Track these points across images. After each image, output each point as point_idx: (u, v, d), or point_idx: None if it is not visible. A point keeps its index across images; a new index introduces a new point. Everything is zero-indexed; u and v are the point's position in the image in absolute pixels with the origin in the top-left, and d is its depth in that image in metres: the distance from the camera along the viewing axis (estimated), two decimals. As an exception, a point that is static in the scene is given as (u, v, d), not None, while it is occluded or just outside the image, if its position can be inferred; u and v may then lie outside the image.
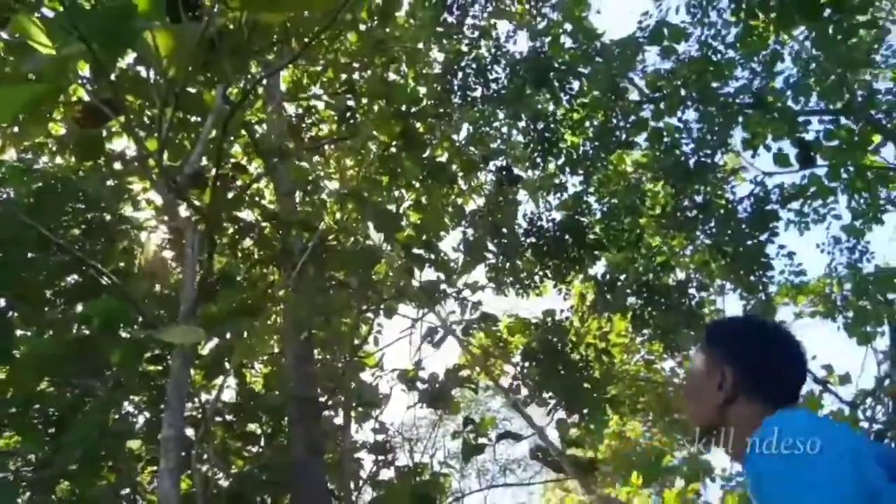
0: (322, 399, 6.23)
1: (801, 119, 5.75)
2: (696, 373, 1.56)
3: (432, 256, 6.82)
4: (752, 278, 5.93)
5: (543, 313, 6.95)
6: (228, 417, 6.64)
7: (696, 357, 1.58)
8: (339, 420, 7.04)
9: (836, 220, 6.84)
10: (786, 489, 1.16)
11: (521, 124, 6.49)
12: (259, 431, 6.40)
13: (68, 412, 5.41)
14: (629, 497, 8.75)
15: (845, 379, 5.05)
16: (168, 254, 5.72)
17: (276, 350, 6.86)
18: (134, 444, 6.45)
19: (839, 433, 1.22)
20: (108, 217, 5.37)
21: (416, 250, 6.74)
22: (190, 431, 6.29)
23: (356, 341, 6.70)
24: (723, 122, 5.77)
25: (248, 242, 6.67)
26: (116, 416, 5.62)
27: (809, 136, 5.88)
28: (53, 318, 5.00)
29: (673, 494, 8.54)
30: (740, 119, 5.96)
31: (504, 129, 6.80)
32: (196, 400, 6.89)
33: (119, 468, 5.25)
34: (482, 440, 5.86)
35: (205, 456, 6.67)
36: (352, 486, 6.33)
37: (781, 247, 6.75)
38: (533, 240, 5.90)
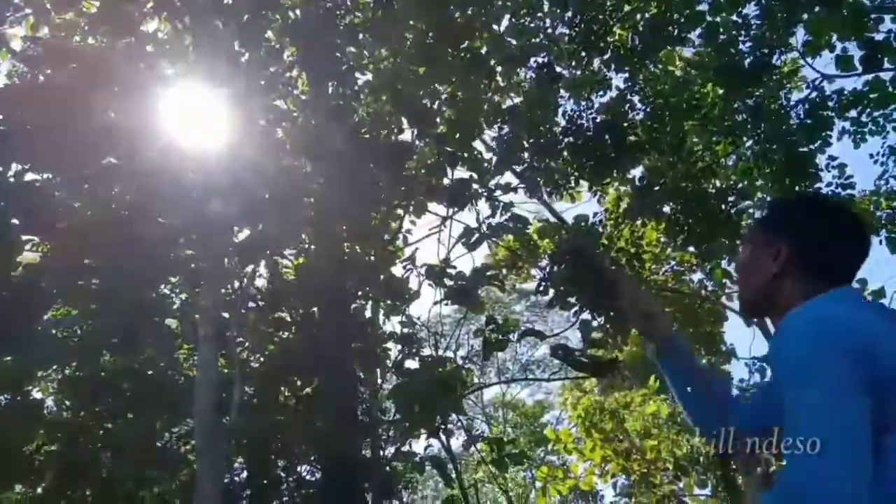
0: (351, 290, 6.35)
1: (872, 16, 5.29)
2: (751, 246, 1.54)
3: (466, 154, 6.67)
4: (796, 189, 5.71)
5: (575, 218, 6.84)
6: (261, 304, 6.85)
7: (754, 232, 1.58)
8: (367, 312, 7.22)
9: (895, 131, 6.48)
10: (789, 378, 1.23)
11: (568, 15, 6.11)
12: (290, 318, 6.58)
13: (111, 288, 5.61)
14: (643, 399, 8.96)
15: (879, 293, 4.93)
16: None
17: (308, 241, 6.93)
18: (172, 322, 6.74)
19: (863, 327, 1.22)
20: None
21: (449, 147, 6.60)
22: (225, 316, 6.53)
23: (386, 236, 6.72)
24: (785, 19, 5.33)
25: (280, 131, 6.60)
26: (154, 295, 5.82)
27: (879, 37, 5.43)
28: (94, 195, 5.08)
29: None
30: (805, 16, 5.51)
31: (548, 21, 6.43)
32: (230, 286, 7.11)
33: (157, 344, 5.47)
34: (504, 338, 5.92)
35: (238, 339, 6.96)
36: (377, 372, 6.55)
37: (832, 158, 6.47)
38: (570, 139, 5.70)
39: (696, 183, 5.71)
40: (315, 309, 6.43)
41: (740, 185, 6.24)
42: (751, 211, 7.19)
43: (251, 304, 7.08)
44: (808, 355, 1.19)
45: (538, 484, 11.18)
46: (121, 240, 5.69)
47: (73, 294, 5.73)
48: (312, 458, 6.49)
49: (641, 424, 9.08)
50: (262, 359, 6.76)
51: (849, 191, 6.55)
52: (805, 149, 5.70)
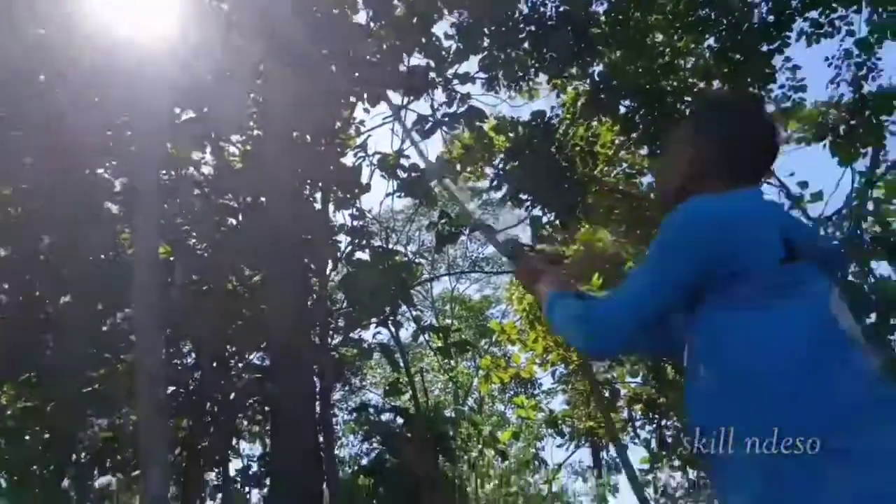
0: (301, 179, 6.14)
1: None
2: (672, 146, 1.57)
3: (424, 40, 6.35)
4: (751, 90, 5.67)
5: (533, 114, 6.69)
6: (206, 190, 6.59)
7: (675, 132, 1.59)
8: (317, 204, 7.05)
9: (850, 35, 6.45)
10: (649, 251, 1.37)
11: None
12: (237, 205, 6.37)
13: (46, 169, 5.27)
14: (588, 296, 9.24)
15: (817, 196, 5.06)
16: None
17: (255, 127, 6.60)
18: (113, 207, 6.44)
19: (731, 209, 1.31)
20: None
21: (406, 32, 6.26)
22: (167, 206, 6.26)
23: (338, 124, 6.45)
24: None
25: (225, 6, 6.09)
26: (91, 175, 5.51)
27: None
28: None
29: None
30: None
31: None
32: (173, 172, 6.78)
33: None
34: (456, 231, 5.91)
35: (184, 226, 6.74)
36: (328, 263, 6.50)
37: (787, 59, 6.44)
38: (532, 28, 5.44)
39: (655, 80, 5.61)
40: (263, 198, 6.23)
41: (698, 86, 6.16)
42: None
43: (196, 191, 6.83)
44: (663, 241, 1.33)
45: (482, 373, 11.64)
46: (54, 117, 5.29)
47: (6, 175, 5.38)
48: (262, 344, 6.50)
49: (583, 318, 9.41)
50: (208, 246, 6.58)
51: (800, 94, 6.59)
52: (764, 48, 5.63)
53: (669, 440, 9.53)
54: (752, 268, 1.24)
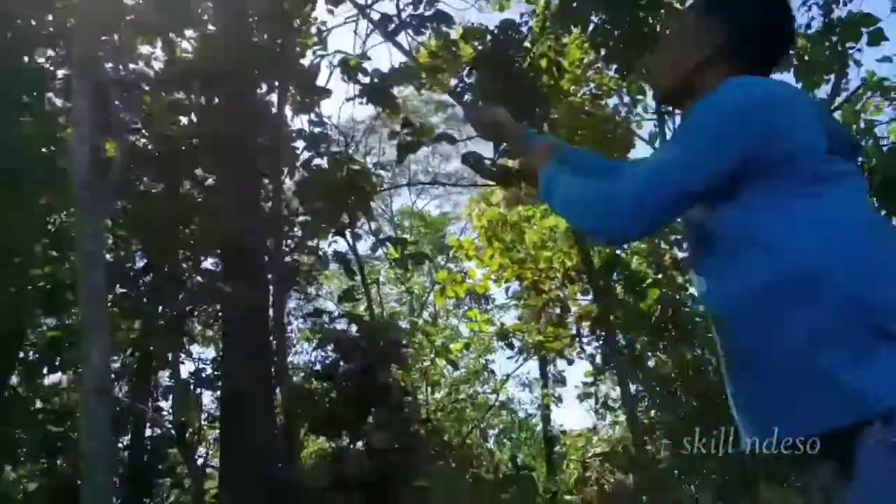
0: (257, 79, 5.83)
1: None
2: (680, 28, 1.44)
3: (390, -65, 5.95)
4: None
5: (502, 22, 6.43)
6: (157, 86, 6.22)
7: (686, 15, 1.50)
8: (273, 108, 6.74)
9: None
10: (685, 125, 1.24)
11: None
12: (188, 103, 6.05)
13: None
14: (544, 214, 9.29)
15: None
16: None
17: (209, 20, 6.17)
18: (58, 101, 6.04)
19: (782, 90, 1.21)
20: None
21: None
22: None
23: (297, 22, 6.08)
24: None
25: None
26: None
27: None
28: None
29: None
30: None
31: None
32: (121, 66, 6.35)
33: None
34: (418, 141, 5.76)
35: (133, 123, 6.38)
36: (284, 170, 6.29)
37: None
38: (505, -72, 5.16)
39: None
40: (216, 98, 5.91)
41: (672, 4, 5.97)
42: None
43: (146, 87, 6.44)
44: (704, 118, 1.19)
45: (438, 287, 11.76)
46: None
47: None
48: (216, 249, 6.35)
49: (539, 237, 9.50)
50: (159, 146, 6.27)
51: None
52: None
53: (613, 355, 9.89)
54: (804, 153, 1.12)
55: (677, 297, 9.16)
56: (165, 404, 7.86)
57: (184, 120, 6.53)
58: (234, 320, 5.00)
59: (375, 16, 6.06)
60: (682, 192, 1.16)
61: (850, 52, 6.06)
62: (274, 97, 6.53)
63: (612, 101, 10.15)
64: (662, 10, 5.21)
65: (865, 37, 6.24)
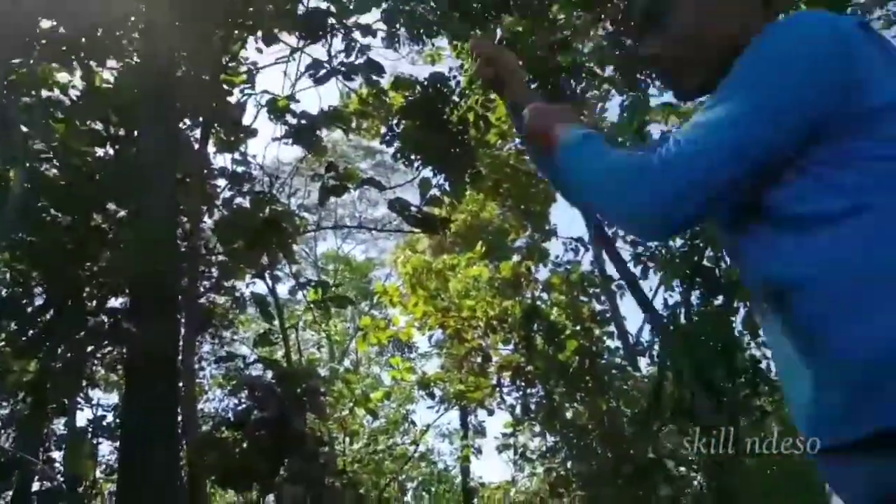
0: (180, 113, 5.66)
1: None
2: None
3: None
4: (639, 76, 5.87)
5: (431, 74, 6.56)
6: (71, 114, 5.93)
7: None
8: (196, 145, 6.56)
9: None
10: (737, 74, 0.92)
11: None
12: (105, 134, 5.79)
13: None
14: (468, 263, 9.38)
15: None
16: None
17: (133, 49, 5.99)
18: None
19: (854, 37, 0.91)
20: None
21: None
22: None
23: (226, 59, 5.99)
24: None
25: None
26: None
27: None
28: None
29: (508, 266, 9.34)
30: None
31: None
32: (33, 91, 6.04)
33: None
34: (342, 184, 5.71)
35: (43, 152, 6.03)
36: (203, 208, 6.08)
37: None
38: (438, -15, 5.33)
39: (553, 56, 5.65)
40: (135, 131, 5.69)
41: (593, 70, 6.30)
42: (595, 94, 7.38)
43: (59, 115, 6.13)
44: (775, 56, 0.90)
45: (360, 334, 11.55)
46: None
47: None
48: (124, 287, 6.01)
49: (463, 285, 9.55)
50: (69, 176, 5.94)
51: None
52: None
53: (532, 406, 9.94)
54: (888, 108, 0.86)
55: (594, 348, 9.36)
56: (59, 455, 7.23)
57: (99, 151, 6.24)
58: (139, 363, 4.68)
59: (306, 59, 6.06)
60: (741, 155, 0.88)
61: None
62: (197, 133, 6.37)
63: (536, 157, 10.50)
64: (584, 75, 5.47)
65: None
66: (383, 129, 7.51)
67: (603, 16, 5.72)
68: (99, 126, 6.08)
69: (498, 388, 10.24)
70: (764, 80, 0.90)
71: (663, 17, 1.04)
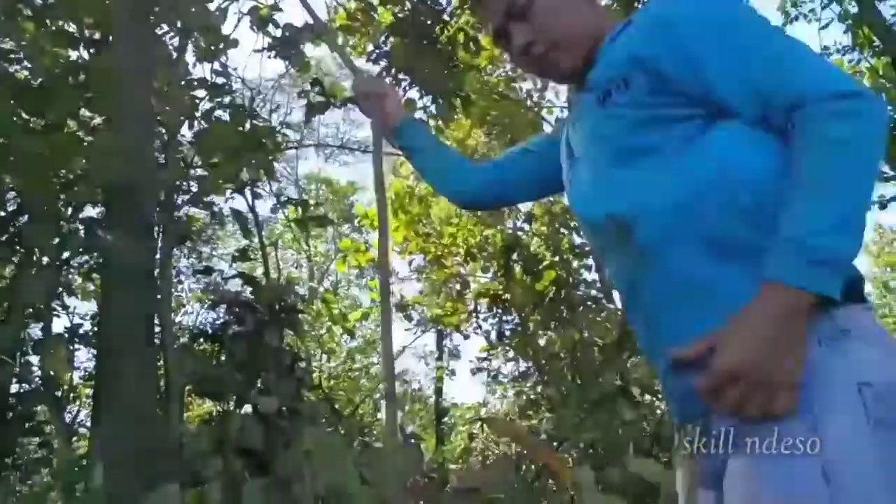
0: (157, 17, 5.40)
1: None
2: None
3: None
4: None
5: (422, -11, 6.29)
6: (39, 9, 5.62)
7: None
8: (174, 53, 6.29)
9: None
10: (718, 32, 0.98)
11: None
12: (77, 35, 5.52)
13: None
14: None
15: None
16: None
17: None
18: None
19: None
20: None
21: None
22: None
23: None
24: None
25: None
26: None
27: None
28: None
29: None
30: None
31: None
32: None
33: None
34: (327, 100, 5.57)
35: (11, 53, 5.75)
36: (181, 118, 5.90)
37: None
38: None
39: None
40: (110, 34, 5.43)
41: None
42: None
43: (29, 13, 5.81)
44: (736, 10, 0.99)
45: (340, 255, 11.58)
46: None
47: None
48: (100, 196, 5.90)
49: (445, 212, 9.54)
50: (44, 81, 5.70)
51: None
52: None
53: (507, 333, 10.16)
54: None
55: (570, 279, 9.51)
56: (36, 359, 7.29)
57: (73, 54, 5.98)
58: (115, 273, 4.66)
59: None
60: None
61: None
62: (175, 41, 6.11)
63: (526, 84, 10.29)
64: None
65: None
66: (370, 47, 7.27)
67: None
68: (72, 28, 5.80)
69: (475, 314, 10.43)
70: (759, 25, 0.99)
71: (526, 11, 1.15)
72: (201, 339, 5.97)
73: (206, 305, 7.32)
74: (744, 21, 0.98)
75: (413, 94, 6.11)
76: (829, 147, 0.87)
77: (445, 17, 5.90)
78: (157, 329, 5.32)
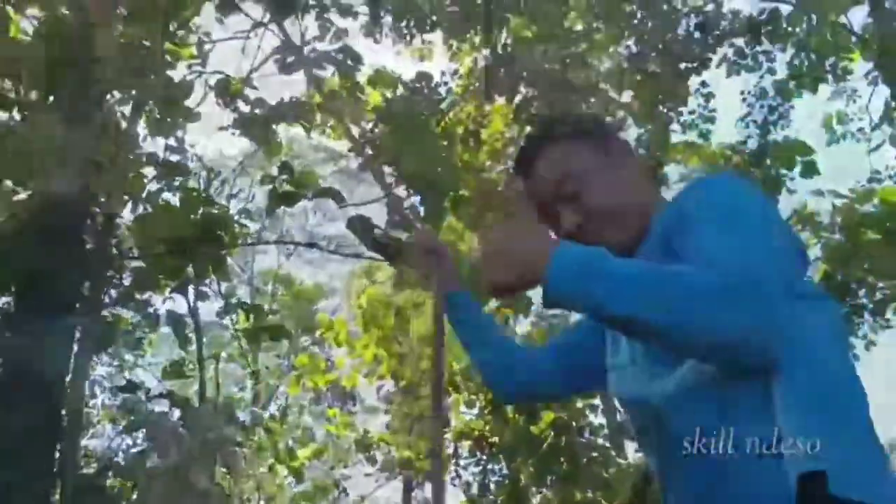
0: (106, 79, 5.59)
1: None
2: (616, 164, 1.37)
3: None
4: (661, 108, 5.99)
5: (418, 74, 6.61)
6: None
7: (591, 147, 1.37)
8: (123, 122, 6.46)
9: (770, 74, 7.16)
10: (713, 216, 1.16)
11: None
12: (13, 95, 5.68)
13: None
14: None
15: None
16: None
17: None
18: None
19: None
20: None
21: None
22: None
23: (173, 25, 5.93)
24: None
25: None
26: None
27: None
28: None
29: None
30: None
31: None
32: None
33: None
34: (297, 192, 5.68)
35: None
36: (123, 198, 5.96)
37: (704, 84, 6.98)
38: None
39: (563, 70, 5.73)
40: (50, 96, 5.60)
41: (606, 92, 6.41)
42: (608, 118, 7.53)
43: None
44: (746, 202, 1.18)
45: (295, 374, 11.35)
46: None
47: None
48: (10, 284, 5.84)
49: (426, 329, 9.47)
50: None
51: (708, 125, 7.14)
52: (683, 66, 6.01)
53: (493, 486, 9.85)
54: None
55: (574, 423, 9.34)
56: None
57: (2, 115, 6.12)
58: (12, 382, 4.52)
59: (270, 37, 6.07)
60: (784, 283, 1.09)
61: (783, 178, 6.76)
62: (127, 109, 6.29)
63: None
64: (592, 99, 5.57)
65: (800, 166, 6.99)
66: (353, 130, 7.54)
67: (626, 32, 5.85)
68: (7, 84, 5.97)
69: (453, 460, 10.13)
70: (758, 218, 1.16)
71: (576, 196, 1.33)
72: (110, 473, 5.75)
73: (121, 428, 7.08)
74: (736, 210, 1.17)
75: (399, 190, 6.26)
76: (679, 278, 1.07)
77: (442, 107, 6.16)
78: (57, 455, 5.12)
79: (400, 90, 6.52)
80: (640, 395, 1.29)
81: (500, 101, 6.41)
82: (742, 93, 7.37)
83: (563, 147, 1.35)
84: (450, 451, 10.31)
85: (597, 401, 9.24)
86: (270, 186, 5.97)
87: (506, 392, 1.75)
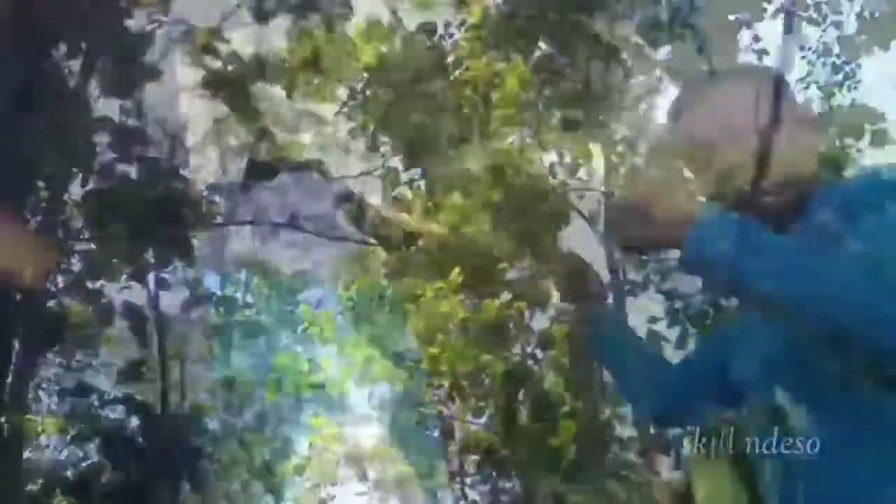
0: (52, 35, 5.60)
1: None
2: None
3: None
4: (704, 67, 5.96)
5: (419, 25, 6.60)
6: None
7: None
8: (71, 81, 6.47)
9: (835, 28, 7.09)
10: None
11: None
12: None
13: None
14: (437, 295, 9.39)
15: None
16: None
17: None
18: None
19: None
20: None
21: None
22: None
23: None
24: None
25: None
26: None
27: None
28: None
29: (493, 306, 9.31)
30: None
31: None
32: None
33: None
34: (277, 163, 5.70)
35: None
36: (72, 171, 5.99)
37: (756, 38, 6.92)
38: None
39: (581, 20, 5.66)
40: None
41: (638, 44, 6.36)
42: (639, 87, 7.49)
43: None
44: None
45: (273, 376, 11.45)
46: None
47: None
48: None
49: (427, 325, 9.50)
50: None
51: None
52: (732, 16, 5.96)
53: (504, 507, 9.95)
54: None
55: (600, 435, 9.39)
56: None
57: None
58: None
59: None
60: None
61: (850, 149, 6.72)
62: (76, 65, 6.30)
63: (551, 156, 10.55)
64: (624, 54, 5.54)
65: (869, 135, 6.96)
66: (342, 92, 7.52)
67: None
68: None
69: (458, 477, 10.23)
70: None
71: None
72: (57, 491, 5.82)
73: (70, 439, 7.15)
74: None
75: (395, 161, 6.28)
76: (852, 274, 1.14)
77: (448, 64, 6.16)
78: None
79: (397, 44, 6.50)
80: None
81: (517, 58, 6.40)
82: (802, 48, 7.30)
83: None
84: (454, 466, 10.40)
85: (626, 408, 9.28)
86: (245, 157, 6.00)
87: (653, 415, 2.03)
